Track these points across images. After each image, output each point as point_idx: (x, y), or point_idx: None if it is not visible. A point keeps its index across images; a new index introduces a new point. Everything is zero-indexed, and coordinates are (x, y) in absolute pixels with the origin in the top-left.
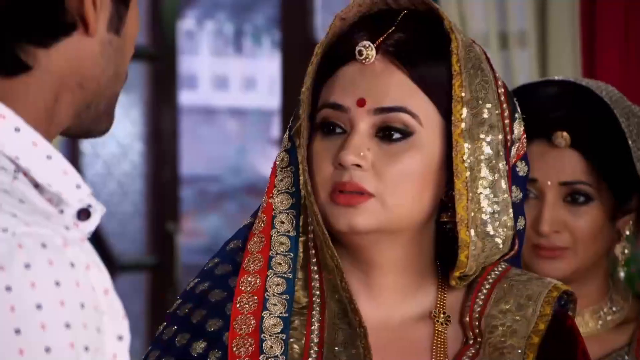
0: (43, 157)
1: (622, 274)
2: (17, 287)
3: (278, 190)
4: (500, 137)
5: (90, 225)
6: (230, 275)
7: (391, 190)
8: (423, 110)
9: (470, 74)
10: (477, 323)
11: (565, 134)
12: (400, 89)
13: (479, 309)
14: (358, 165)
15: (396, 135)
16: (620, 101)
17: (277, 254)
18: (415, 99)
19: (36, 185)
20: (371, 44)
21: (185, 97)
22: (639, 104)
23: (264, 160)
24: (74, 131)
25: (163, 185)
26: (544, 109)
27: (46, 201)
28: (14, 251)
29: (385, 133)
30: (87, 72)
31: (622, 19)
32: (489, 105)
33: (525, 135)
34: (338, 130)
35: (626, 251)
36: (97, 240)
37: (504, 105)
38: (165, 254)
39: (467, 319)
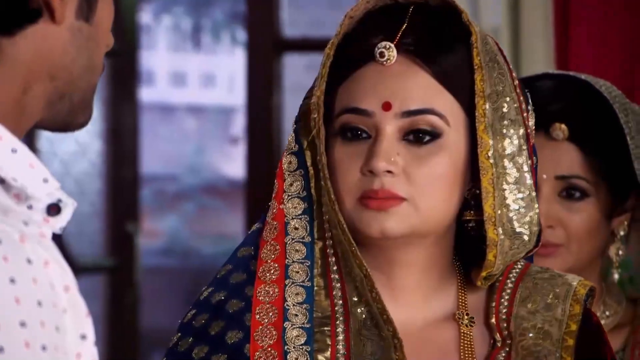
0: (7, 150)
1: (616, 276)
2: None
3: (289, 196)
4: (521, 131)
5: (62, 220)
6: (245, 284)
7: (423, 193)
8: (449, 110)
9: (489, 66)
10: (505, 325)
11: (563, 126)
12: (425, 90)
13: (505, 310)
14: (389, 171)
15: (425, 138)
16: (619, 97)
17: (293, 261)
18: (441, 98)
19: (2, 181)
20: (392, 45)
21: (142, 94)
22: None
23: (224, 159)
24: (49, 124)
25: (122, 184)
26: (541, 101)
27: (12, 197)
28: None
29: (414, 136)
30: (57, 61)
31: (596, 16)
32: (507, 99)
33: (534, 127)
34: (363, 135)
35: (620, 252)
36: (54, 241)
37: (521, 98)
38: (125, 256)
39: (494, 320)
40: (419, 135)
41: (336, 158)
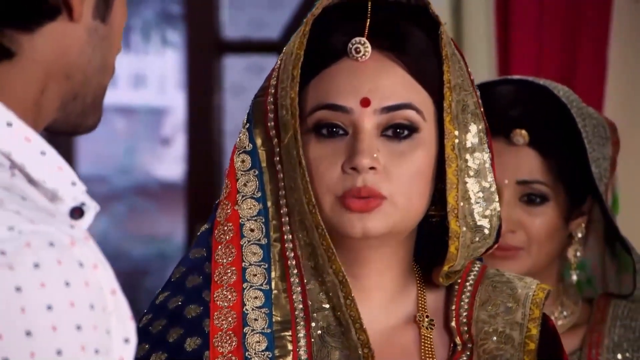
0: (37, 152)
1: (574, 277)
2: (27, 287)
3: (243, 196)
4: (481, 125)
5: (84, 223)
6: (202, 288)
7: (402, 190)
8: (423, 104)
9: (452, 59)
10: (465, 328)
11: (523, 132)
12: (402, 85)
13: (465, 313)
14: (371, 168)
15: (403, 133)
16: (576, 102)
17: (250, 264)
18: (416, 93)
19: (30, 182)
20: (366, 40)
21: None
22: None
23: (154, 160)
24: (60, 125)
25: None
26: (501, 107)
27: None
28: (22, 250)
29: (392, 131)
30: (73, 60)
31: (536, 18)
32: (466, 92)
33: None
34: (340, 132)
35: (578, 254)
36: None
37: (477, 93)
38: None
39: (454, 324)
40: (397, 131)
41: (312, 156)
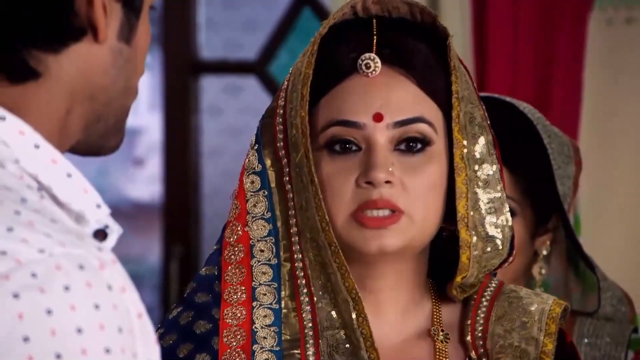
0: (63, 175)
1: None
2: (57, 310)
3: (253, 217)
4: (489, 137)
5: (107, 246)
6: (212, 306)
7: (418, 205)
8: (435, 117)
9: (459, 71)
10: (481, 342)
11: None
12: (413, 99)
13: (481, 328)
14: (387, 182)
15: (417, 146)
16: (541, 119)
17: (260, 284)
18: (427, 106)
19: (57, 204)
20: (375, 56)
21: None
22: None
23: (127, 181)
24: (82, 147)
25: None
26: None
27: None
28: (53, 273)
29: (406, 145)
30: (97, 82)
31: (511, 41)
32: (472, 105)
33: None
34: (353, 147)
35: (543, 271)
36: None
37: (483, 106)
38: None
39: (469, 338)
40: (410, 145)
41: (325, 173)
